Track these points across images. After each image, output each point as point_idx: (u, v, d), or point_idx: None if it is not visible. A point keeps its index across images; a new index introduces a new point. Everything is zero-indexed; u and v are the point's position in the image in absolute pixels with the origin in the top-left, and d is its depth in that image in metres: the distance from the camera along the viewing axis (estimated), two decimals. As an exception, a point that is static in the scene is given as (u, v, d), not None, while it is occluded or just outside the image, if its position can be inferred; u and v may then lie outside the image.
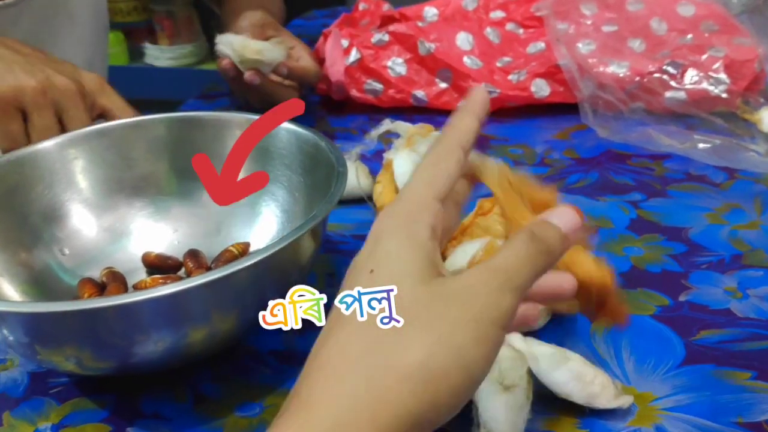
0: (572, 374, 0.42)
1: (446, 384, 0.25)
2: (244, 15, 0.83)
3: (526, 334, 0.48)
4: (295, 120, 0.51)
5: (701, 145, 0.64)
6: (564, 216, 0.32)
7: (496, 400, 0.39)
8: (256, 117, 0.56)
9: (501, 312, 0.28)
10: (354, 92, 0.85)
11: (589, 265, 0.43)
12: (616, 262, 0.56)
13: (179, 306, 0.38)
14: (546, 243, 0.30)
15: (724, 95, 0.80)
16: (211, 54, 2.09)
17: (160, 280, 0.50)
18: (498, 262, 0.29)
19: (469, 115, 0.35)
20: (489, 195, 0.59)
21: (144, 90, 1.62)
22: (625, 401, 0.42)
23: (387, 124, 0.67)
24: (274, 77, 0.78)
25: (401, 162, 0.63)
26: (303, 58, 0.81)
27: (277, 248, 0.39)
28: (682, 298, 0.52)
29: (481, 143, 0.78)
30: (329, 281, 0.55)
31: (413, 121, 0.84)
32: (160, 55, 2.02)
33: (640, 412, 0.42)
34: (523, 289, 0.29)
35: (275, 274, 0.43)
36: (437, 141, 0.34)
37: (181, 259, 0.53)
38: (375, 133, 0.67)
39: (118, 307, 0.36)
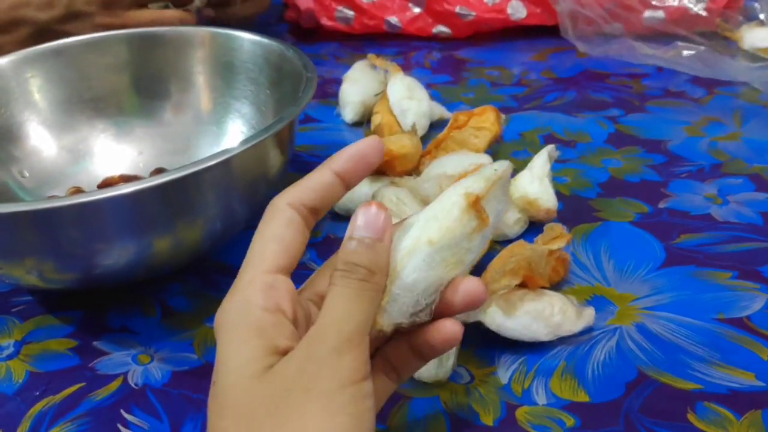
0: (530, 316, 0.39)
1: None
2: None
3: (502, 242, 0.47)
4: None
5: (685, 53, 0.62)
6: (368, 217, 0.29)
7: None
8: (218, 30, 0.54)
9: (342, 374, 0.26)
10: (324, 20, 0.82)
11: None
12: (594, 173, 0.55)
13: (139, 209, 0.36)
14: (359, 269, 0.28)
15: (703, 13, 0.78)
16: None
17: (121, 181, 0.48)
18: (320, 324, 0.27)
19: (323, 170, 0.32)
20: (465, 109, 0.58)
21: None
22: (588, 319, 0.40)
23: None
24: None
25: (395, 89, 0.61)
26: None
27: (239, 150, 0.38)
28: (661, 205, 0.51)
29: (458, 66, 0.77)
30: (302, 200, 0.53)
31: (388, 48, 0.82)
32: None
33: (620, 311, 0.41)
34: (359, 331, 0.27)
35: (240, 183, 0.41)
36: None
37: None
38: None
39: (74, 207, 0.34)
